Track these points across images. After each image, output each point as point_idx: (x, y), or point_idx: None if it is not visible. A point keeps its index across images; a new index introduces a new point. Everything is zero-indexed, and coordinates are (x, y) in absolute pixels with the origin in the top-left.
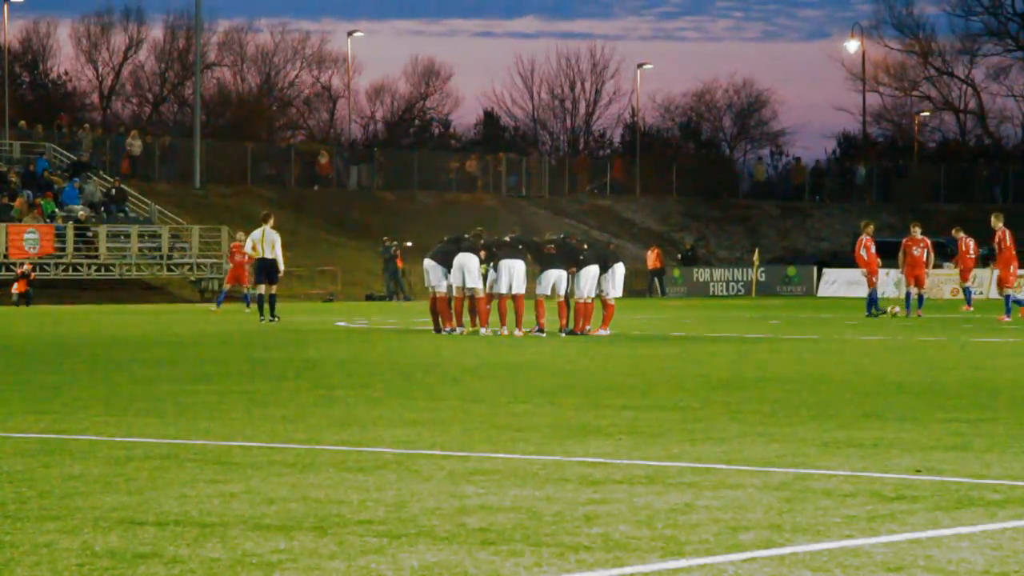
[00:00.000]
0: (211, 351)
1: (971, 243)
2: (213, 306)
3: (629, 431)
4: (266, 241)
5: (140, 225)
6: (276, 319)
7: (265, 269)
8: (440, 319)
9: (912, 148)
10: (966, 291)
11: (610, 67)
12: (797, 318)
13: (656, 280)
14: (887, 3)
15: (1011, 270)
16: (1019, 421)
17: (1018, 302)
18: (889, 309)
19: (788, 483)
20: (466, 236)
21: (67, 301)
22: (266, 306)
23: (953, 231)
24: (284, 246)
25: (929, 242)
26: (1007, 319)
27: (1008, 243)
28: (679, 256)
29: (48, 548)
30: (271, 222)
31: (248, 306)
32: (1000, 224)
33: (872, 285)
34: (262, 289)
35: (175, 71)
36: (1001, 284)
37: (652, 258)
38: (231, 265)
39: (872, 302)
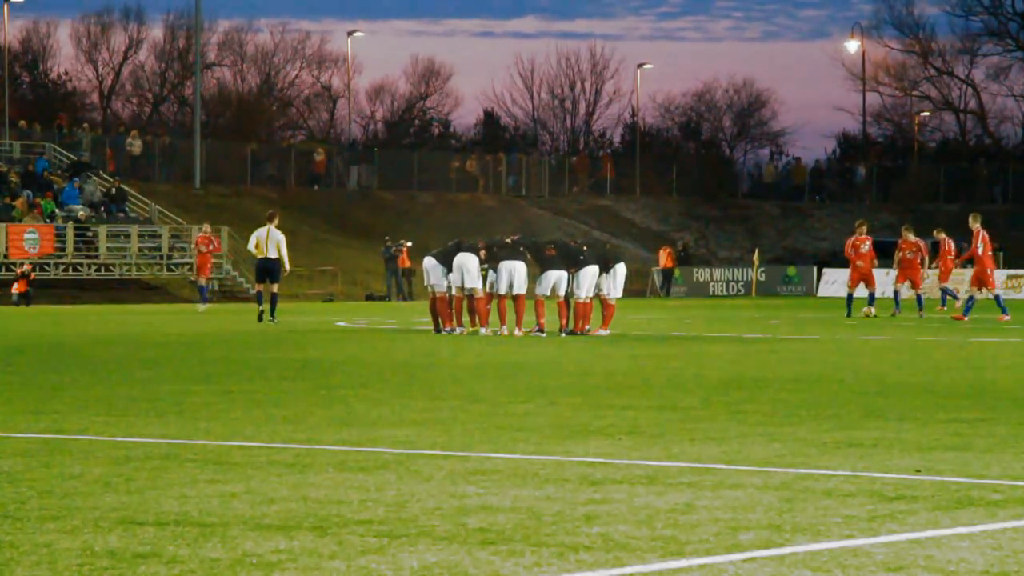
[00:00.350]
0: (211, 351)
1: (951, 244)
2: (200, 306)
3: (629, 431)
4: (270, 240)
5: (140, 225)
6: (275, 320)
7: (267, 269)
8: (440, 319)
9: (912, 148)
10: (945, 291)
11: (610, 67)
12: (797, 318)
13: (666, 280)
14: (887, 3)
15: (988, 272)
16: (1019, 421)
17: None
18: (864, 311)
19: (788, 483)
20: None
21: (67, 301)
22: (266, 305)
23: (934, 232)
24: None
25: (923, 243)
26: (1007, 318)
27: (983, 243)
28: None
29: (48, 548)
30: (275, 221)
31: (206, 303)
32: (977, 224)
33: (851, 287)
34: (261, 288)
35: (175, 71)
36: (978, 284)
37: (664, 257)
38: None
39: (850, 302)
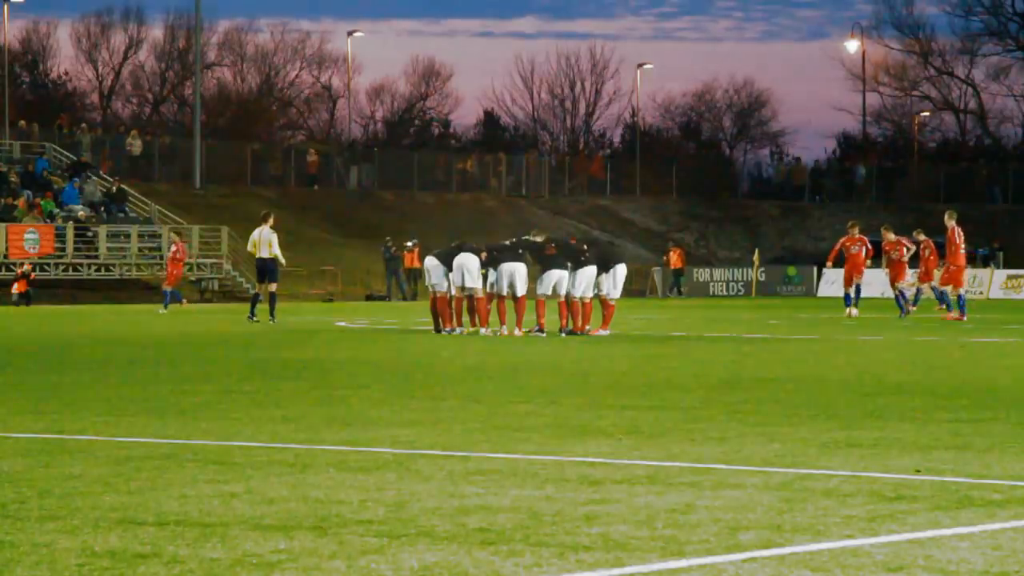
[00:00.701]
0: (211, 351)
1: (932, 245)
2: (161, 308)
3: (629, 431)
4: (263, 241)
5: (140, 225)
6: (274, 320)
7: (264, 269)
8: (440, 319)
9: (912, 148)
10: (919, 292)
11: (610, 67)
12: (797, 318)
13: (676, 280)
14: (887, 3)
15: (951, 268)
16: (1019, 421)
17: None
18: (847, 311)
19: (788, 483)
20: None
21: (67, 301)
22: (265, 305)
23: (914, 232)
24: (284, 245)
25: (906, 239)
26: (957, 316)
27: (957, 242)
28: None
29: (48, 548)
30: (270, 221)
31: (166, 307)
32: (952, 223)
33: (846, 287)
34: (260, 289)
35: (175, 71)
36: (946, 282)
37: (674, 258)
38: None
39: (847, 301)
